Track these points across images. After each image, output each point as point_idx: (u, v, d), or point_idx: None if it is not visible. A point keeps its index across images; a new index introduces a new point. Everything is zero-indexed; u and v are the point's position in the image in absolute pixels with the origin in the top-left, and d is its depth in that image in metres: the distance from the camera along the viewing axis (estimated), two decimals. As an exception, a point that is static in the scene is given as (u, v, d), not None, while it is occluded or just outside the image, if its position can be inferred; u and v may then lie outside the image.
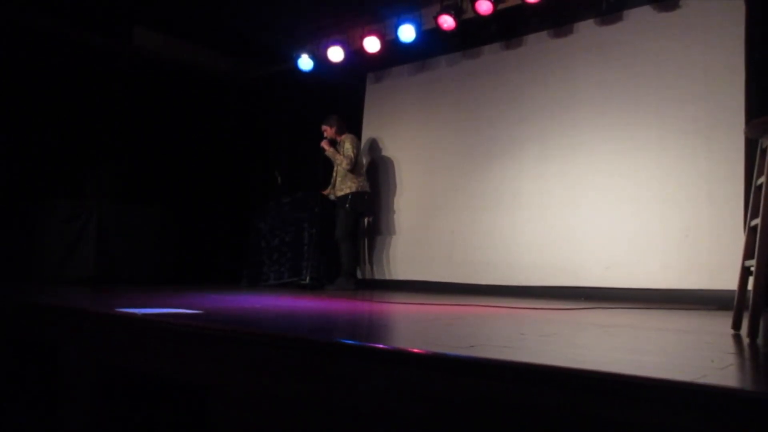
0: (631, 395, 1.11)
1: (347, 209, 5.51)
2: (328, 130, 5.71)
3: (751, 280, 2.02)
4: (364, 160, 6.07)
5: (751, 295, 1.98)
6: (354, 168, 5.57)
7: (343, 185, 5.58)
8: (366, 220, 5.95)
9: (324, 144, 5.68)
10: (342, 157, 5.56)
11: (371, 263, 6.13)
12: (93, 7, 5.78)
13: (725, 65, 4.31)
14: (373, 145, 6.31)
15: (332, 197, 5.71)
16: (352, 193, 5.54)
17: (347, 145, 5.57)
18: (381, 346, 1.53)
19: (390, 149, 6.21)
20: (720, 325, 2.56)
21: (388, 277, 6.00)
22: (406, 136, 6.12)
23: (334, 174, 5.72)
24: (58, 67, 5.79)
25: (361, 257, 6.11)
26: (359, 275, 5.96)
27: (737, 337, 2.10)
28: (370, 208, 5.87)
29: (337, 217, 5.56)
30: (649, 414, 1.08)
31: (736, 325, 2.25)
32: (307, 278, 5.28)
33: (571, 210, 4.93)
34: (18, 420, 2.49)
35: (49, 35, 5.73)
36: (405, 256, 5.95)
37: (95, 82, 6.05)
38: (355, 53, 6.02)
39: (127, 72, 6.28)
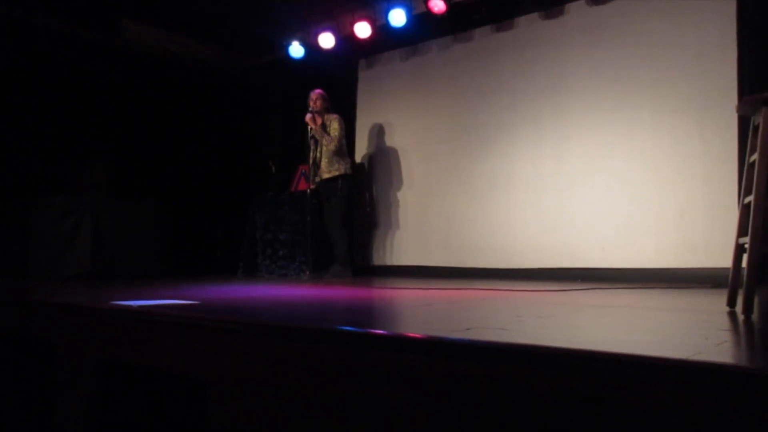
0: (628, 374, 1.12)
1: (340, 196, 5.42)
2: (318, 103, 5.43)
3: (745, 257, 2.03)
4: (365, 149, 6.01)
5: (745, 272, 2.00)
6: (340, 149, 5.43)
7: (331, 167, 5.43)
8: (361, 205, 5.93)
9: (309, 120, 5.37)
10: (330, 137, 5.40)
11: (367, 249, 6.14)
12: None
13: (717, 44, 4.29)
14: (368, 132, 6.28)
15: (317, 180, 5.51)
16: (342, 177, 5.42)
17: (335, 125, 5.43)
18: (379, 332, 1.53)
19: (384, 135, 6.19)
20: (715, 302, 2.57)
21: (383, 263, 6.01)
22: (399, 122, 6.10)
23: (318, 155, 5.49)
24: (50, 63, 5.72)
25: (356, 243, 6.10)
26: (355, 262, 5.97)
27: (732, 314, 2.11)
28: (356, 192, 5.83)
29: (327, 203, 5.48)
30: (645, 392, 1.09)
31: (731, 303, 2.27)
32: (307, 273, 5.27)
33: (566, 192, 4.93)
34: (17, 418, 2.49)
35: (39, 31, 5.66)
36: (401, 241, 5.95)
37: (87, 77, 5.99)
38: (346, 39, 5.98)
39: (118, 66, 6.22)
